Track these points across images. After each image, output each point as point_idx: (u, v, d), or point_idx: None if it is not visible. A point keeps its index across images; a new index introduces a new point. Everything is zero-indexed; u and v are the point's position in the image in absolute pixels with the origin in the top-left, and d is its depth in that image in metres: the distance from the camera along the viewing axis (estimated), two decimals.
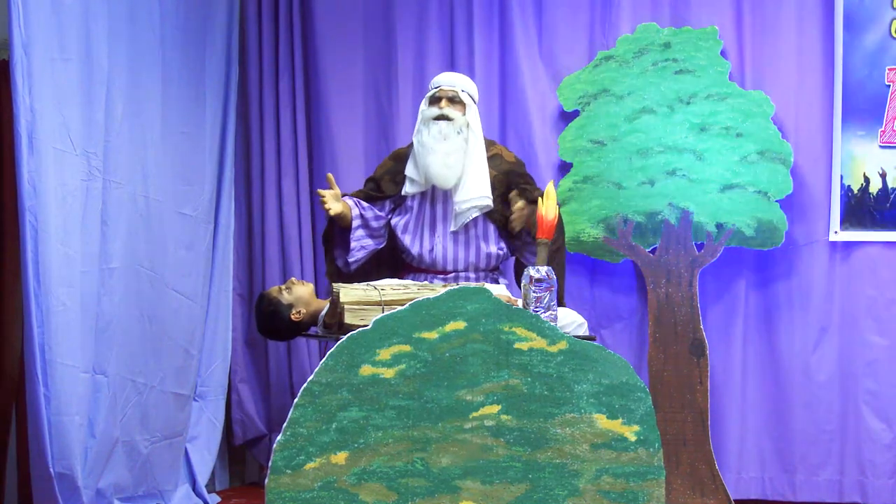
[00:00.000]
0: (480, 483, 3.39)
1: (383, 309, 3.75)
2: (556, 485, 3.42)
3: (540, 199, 4.20)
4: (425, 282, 4.41)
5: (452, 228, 4.51)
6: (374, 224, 4.57)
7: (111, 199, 4.25)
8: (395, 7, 5.32)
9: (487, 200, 4.50)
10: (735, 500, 4.96)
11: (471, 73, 5.24)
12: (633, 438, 3.45)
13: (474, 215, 4.51)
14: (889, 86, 4.94)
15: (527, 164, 5.17)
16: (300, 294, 4.22)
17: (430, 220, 4.55)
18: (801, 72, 5.06)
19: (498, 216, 4.55)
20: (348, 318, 3.82)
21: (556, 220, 4.12)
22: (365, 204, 4.57)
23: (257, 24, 5.38)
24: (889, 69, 4.94)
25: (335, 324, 3.96)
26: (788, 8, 5.06)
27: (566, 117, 5.18)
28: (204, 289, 5.00)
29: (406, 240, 4.54)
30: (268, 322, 4.26)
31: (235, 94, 5.27)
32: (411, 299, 3.50)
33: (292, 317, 4.19)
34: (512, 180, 4.59)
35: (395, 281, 4.36)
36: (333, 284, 4.00)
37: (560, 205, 5.02)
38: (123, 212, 4.34)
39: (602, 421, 3.45)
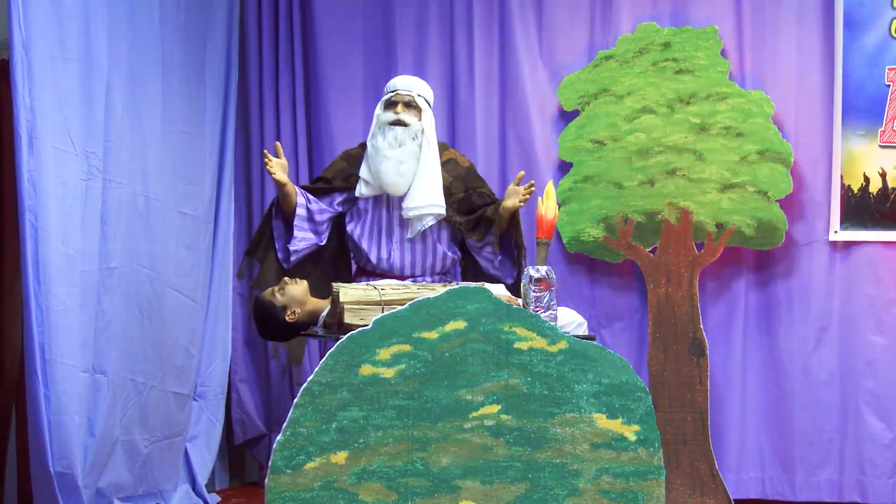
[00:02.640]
0: (480, 483, 3.39)
1: (383, 309, 3.75)
2: (556, 484, 3.42)
3: (539, 198, 4.20)
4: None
5: (409, 236, 4.50)
6: (318, 218, 4.51)
7: (111, 199, 4.25)
8: (395, 7, 5.32)
9: (439, 209, 4.48)
10: (735, 500, 4.96)
11: (470, 73, 5.25)
12: (632, 438, 3.45)
13: (430, 223, 4.49)
14: (889, 85, 4.93)
15: (527, 164, 5.19)
16: (293, 294, 4.20)
17: (386, 225, 4.53)
18: (801, 71, 5.05)
19: (455, 221, 4.54)
20: (348, 318, 3.81)
21: (555, 219, 4.12)
22: (312, 197, 4.52)
23: (257, 24, 5.38)
24: (889, 69, 4.94)
25: (335, 323, 3.96)
26: (788, 8, 5.06)
27: (566, 117, 5.18)
28: (204, 288, 5.00)
29: (364, 245, 4.52)
30: (264, 325, 4.25)
31: (235, 94, 5.28)
32: (411, 299, 3.50)
33: (287, 318, 4.18)
34: (468, 185, 4.58)
35: (395, 281, 4.36)
36: (333, 284, 3.99)
37: (560, 204, 5.03)
38: (123, 211, 4.34)
39: (602, 420, 3.45)
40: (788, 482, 5.02)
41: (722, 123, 4.99)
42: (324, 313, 4.14)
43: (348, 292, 3.87)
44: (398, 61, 5.30)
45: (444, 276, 4.60)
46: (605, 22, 5.21)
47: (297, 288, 4.22)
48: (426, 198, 4.46)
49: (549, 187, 4.23)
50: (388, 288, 3.94)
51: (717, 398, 5.06)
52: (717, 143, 4.99)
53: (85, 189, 4.07)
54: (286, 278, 4.29)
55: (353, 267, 4.73)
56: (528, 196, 4.41)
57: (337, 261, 4.73)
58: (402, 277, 4.52)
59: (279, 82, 5.37)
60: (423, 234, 4.51)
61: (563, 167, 5.16)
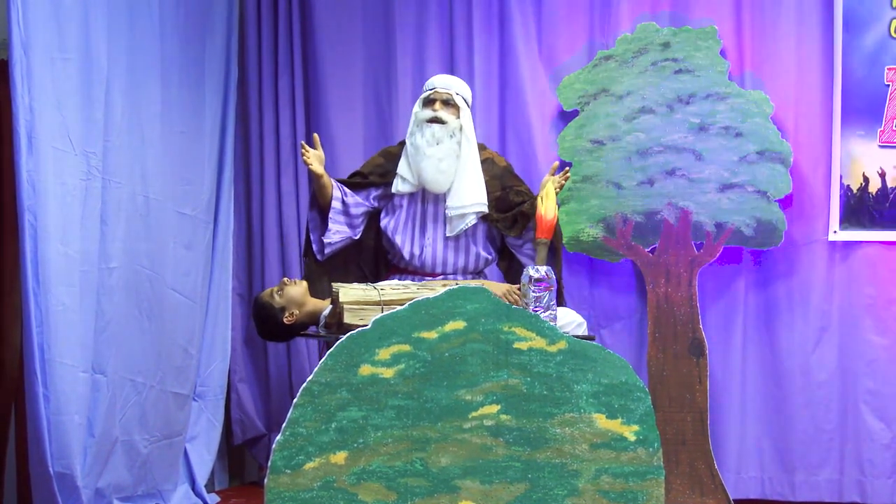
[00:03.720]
0: (480, 483, 3.39)
1: (382, 309, 3.75)
2: (556, 484, 3.42)
3: (539, 199, 4.20)
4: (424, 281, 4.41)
5: (449, 234, 4.49)
6: (353, 211, 4.52)
7: (110, 199, 4.25)
8: (395, 7, 5.32)
9: (483, 207, 4.48)
10: (734, 500, 4.96)
11: (470, 73, 5.25)
12: (632, 438, 3.46)
13: (472, 222, 4.49)
14: (888, 85, 4.94)
15: (526, 164, 5.19)
16: (292, 295, 4.20)
17: (420, 222, 4.53)
18: (801, 71, 5.06)
19: (493, 218, 4.53)
20: (348, 318, 3.82)
21: (555, 219, 4.12)
22: (348, 190, 4.52)
23: (257, 24, 5.38)
24: (888, 69, 4.94)
25: (335, 323, 3.96)
26: (788, 7, 5.06)
27: (565, 117, 5.18)
28: (203, 288, 5.00)
29: (398, 240, 4.52)
30: (263, 326, 4.26)
31: (235, 94, 5.27)
32: (410, 299, 3.50)
33: (285, 320, 4.18)
34: (505, 184, 4.58)
35: (395, 281, 4.36)
36: (333, 284, 3.99)
37: (559, 205, 5.02)
38: (123, 211, 4.34)
39: (601, 421, 3.45)
40: (788, 482, 5.02)
41: (721, 123, 4.99)
42: (324, 313, 4.14)
43: (348, 292, 3.88)
44: (398, 61, 5.30)
45: (476, 276, 4.59)
46: (604, 22, 5.21)
47: (296, 289, 4.22)
48: (470, 196, 4.46)
49: (549, 187, 4.23)
50: (388, 288, 3.94)
51: (717, 398, 5.06)
52: (717, 142, 4.99)
53: (84, 189, 4.07)
54: (285, 279, 4.29)
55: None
56: (563, 182, 4.43)
57: (376, 258, 4.73)
58: (434, 275, 4.51)
59: (278, 82, 5.37)
60: (460, 233, 4.51)
61: (563, 167, 5.16)
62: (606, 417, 3.45)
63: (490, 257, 4.60)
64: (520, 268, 4.63)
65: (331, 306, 4.06)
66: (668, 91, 5.04)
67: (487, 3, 5.27)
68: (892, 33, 4.94)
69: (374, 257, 4.71)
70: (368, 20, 5.37)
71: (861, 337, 4.98)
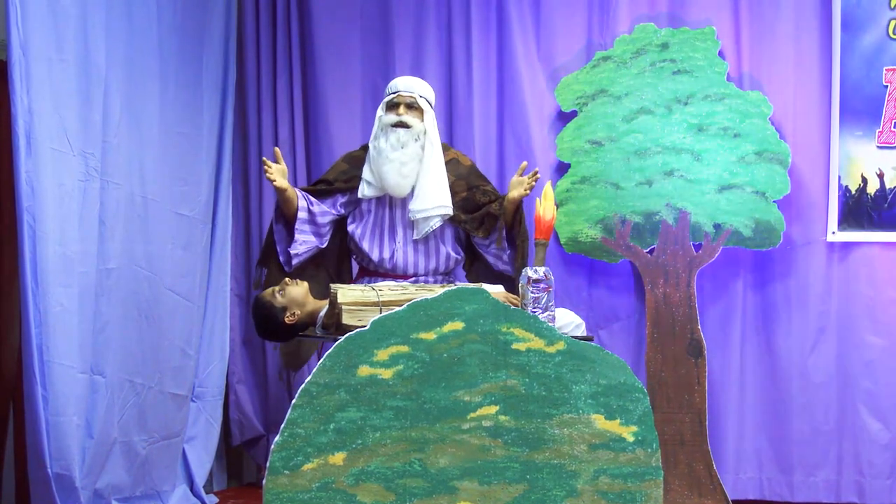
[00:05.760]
0: (478, 483, 3.39)
1: (381, 309, 3.75)
2: (554, 485, 3.42)
3: (537, 199, 4.20)
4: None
5: (416, 237, 4.50)
6: (320, 220, 4.51)
7: (109, 200, 4.25)
8: (393, 8, 5.32)
9: (446, 209, 4.49)
10: (733, 501, 4.96)
11: (468, 74, 5.25)
12: (630, 439, 3.46)
13: (437, 224, 4.50)
14: (887, 86, 4.94)
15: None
16: (294, 296, 4.20)
17: (389, 225, 4.54)
18: (799, 72, 5.06)
19: (460, 219, 4.54)
20: (346, 319, 3.82)
21: (553, 220, 4.12)
22: (313, 199, 4.52)
23: (255, 24, 5.39)
24: (887, 70, 4.94)
25: (333, 324, 3.96)
26: (786, 8, 5.07)
27: (564, 118, 5.18)
28: (201, 289, 5.00)
29: (365, 245, 4.52)
30: (263, 326, 4.25)
31: (233, 94, 5.27)
32: (409, 300, 3.50)
33: (286, 320, 4.18)
34: (471, 184, 4.59)
35: (393, 282, 4.36)
36: (331, 285, 3.99)
37: (558, 205, 5.03)
38: (121, 212, 4.34)
39: (600, 421, 3.45)
40: (786, 483, 5.03)
41: (720, 124, 4.99)
42: (321, 314, 4.14)
43: (346, 293, 3.87)
44: (396, 62, 5.30)
45: (445, 276, 4.60)
46: (602, 23, 5.21)
47: (298, 289, 4.22)
48: (433, 199, 4.46)
49: (548, 188, 4.23)
50: (386, 289, 3.94)
51: (715, 399, 5.06)
52: (715, 143, 4.99)
53: (83, 190, 4.07)
54: (287, 279, 4.29)
55: (356, 268, 4.73)
56: (533, 184, 4.43)
57: (340, 263, 4.73)
58: (405, 278, 4.52)
59: (277, 83, 5.37)
60: (426, 234, 4.52)
61: (561, 168, 5.17)
62: (605, 418, 3.45)
63: (459, 257, 4.62)
64: (482, 267, 4.65)
65: (327, 307, 4.06)
66: (666, 92, 5.05)
67: (486, 3, 5.27)
68: (891, 34, 4.94)
69: (336, 261, 4.72)
70: (366, 20, 5.38)
71: (859, 338, 4.98)
